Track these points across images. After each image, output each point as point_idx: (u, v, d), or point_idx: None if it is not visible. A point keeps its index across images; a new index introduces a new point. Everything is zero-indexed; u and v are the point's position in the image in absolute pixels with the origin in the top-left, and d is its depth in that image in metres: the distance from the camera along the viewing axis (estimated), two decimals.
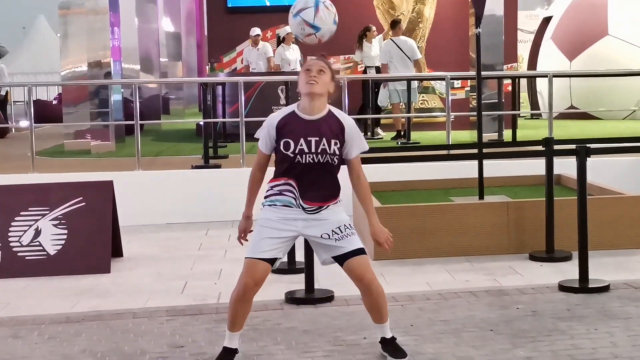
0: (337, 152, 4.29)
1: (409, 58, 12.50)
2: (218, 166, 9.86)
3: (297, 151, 4.25)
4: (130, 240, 7.96)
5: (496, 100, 12.11)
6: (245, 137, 9.75)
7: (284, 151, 4.28)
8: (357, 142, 4.36)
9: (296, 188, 4.32)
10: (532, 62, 19.28)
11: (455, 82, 15.05)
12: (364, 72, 13.66)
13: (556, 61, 17.38)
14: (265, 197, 4.43)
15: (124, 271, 6.93)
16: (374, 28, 13.88)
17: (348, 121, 4.36)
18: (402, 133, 12.26)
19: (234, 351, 4.44)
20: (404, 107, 12.36)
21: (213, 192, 9.28)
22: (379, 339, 4.50)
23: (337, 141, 4.28)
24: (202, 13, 22.38)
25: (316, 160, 4.26)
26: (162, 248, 7.90)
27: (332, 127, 4.30)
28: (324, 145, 4.25)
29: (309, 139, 4.25)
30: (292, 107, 4.34)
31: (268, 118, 4.39)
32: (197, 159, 10.40)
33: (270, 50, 14.79)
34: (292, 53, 14.39)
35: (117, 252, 7.34)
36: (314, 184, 4.32)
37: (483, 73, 8.55)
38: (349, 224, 4.41)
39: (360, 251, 4.35)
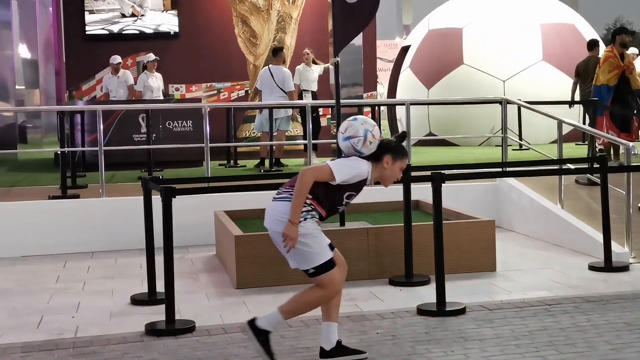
0: None
1: (280, 88, 12.49)
2: (76, 196, 9.64)
3: (349, 201, 4.74)
4: None
5: None
6: (105, 167, 9.58)
7: (344, 197, 4.69)
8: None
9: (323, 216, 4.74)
10: (392, 90, 19.72)
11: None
12: (300, 96, 13.24)
13: (415, 89, 17.83)
14: (306, 212, 4.64)
15: None
16: (306, 50, 13.73)
17: None
18: (275, 161, 12.24)
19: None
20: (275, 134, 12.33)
21: (71, 223, 9.08)
22: (335, 344, 4.78)
23: None
24: (60, 40, 21.90)
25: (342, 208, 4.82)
26: (17, 282, 7.65)
27: None
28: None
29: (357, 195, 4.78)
30: (370, 168, 4.67)
31: (361, 167, 4.64)
32: (54, 189, 10.14)
33: (130, 78, 14.61)
34: (155, 80, 14.26)
35: None
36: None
37: (342, 101, 8.67)
38: None
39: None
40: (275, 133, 12.36)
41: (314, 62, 13.61)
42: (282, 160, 12.64)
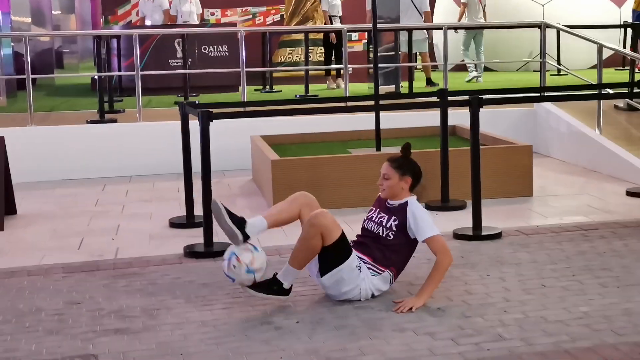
0: (394, 229, 4.65)
1: (418, 10, 13.17)
2: (114, 121, 9.71)
3: (367, 216, 4.83)
4: (24, 197, 7.81)
5: (393, 53, 12.20)
6: (142, 92, 9.61)
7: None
8: (420, 230, 4.62)
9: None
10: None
11: (353, 34, 15.13)
12: (330, 21, 13.48)
13: (452, 13, 17.55)
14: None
15: (18, 229, 6.79)
16: None
17: (414, 211, 4.66)
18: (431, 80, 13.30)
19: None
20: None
21: (109, 147, 9.16)
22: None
23: (397, 220, 4.66)
24: None
25: (372, 229, 4.74)
26: (57, 205, 7.76)
27: (399, 211, 4.69)
28: (382, 218, 4.72)
29: (379, 212, 4.77)
30: None
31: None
32: (92, 113, 10.21)
33: (166, 2, 14.52)
34: (188, 5, 14.17)
35: (11, 209, 7.19)
36: (366, 245, 4.72)
37: (379, 25, 8.59)
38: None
39: None
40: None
41: None
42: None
